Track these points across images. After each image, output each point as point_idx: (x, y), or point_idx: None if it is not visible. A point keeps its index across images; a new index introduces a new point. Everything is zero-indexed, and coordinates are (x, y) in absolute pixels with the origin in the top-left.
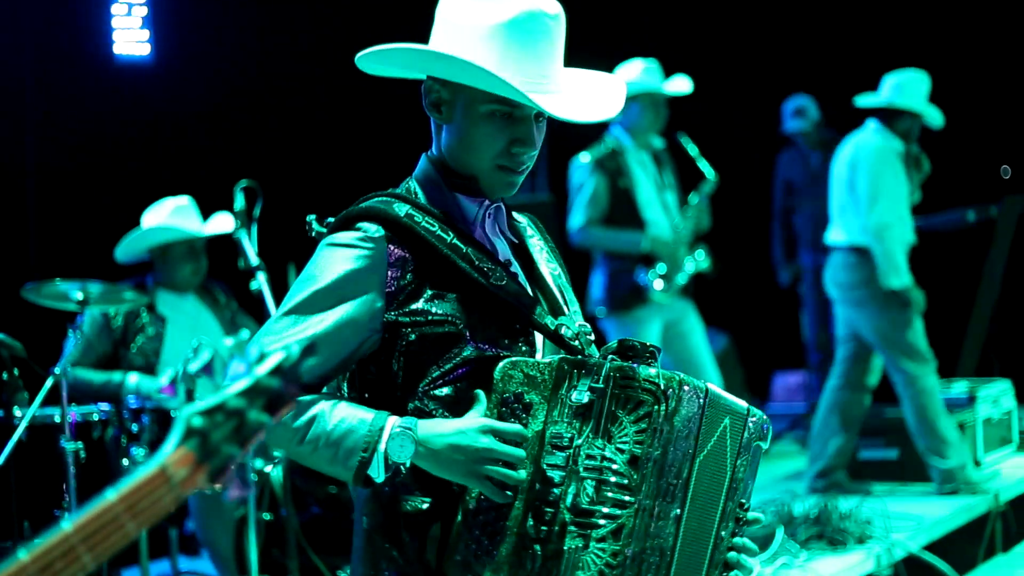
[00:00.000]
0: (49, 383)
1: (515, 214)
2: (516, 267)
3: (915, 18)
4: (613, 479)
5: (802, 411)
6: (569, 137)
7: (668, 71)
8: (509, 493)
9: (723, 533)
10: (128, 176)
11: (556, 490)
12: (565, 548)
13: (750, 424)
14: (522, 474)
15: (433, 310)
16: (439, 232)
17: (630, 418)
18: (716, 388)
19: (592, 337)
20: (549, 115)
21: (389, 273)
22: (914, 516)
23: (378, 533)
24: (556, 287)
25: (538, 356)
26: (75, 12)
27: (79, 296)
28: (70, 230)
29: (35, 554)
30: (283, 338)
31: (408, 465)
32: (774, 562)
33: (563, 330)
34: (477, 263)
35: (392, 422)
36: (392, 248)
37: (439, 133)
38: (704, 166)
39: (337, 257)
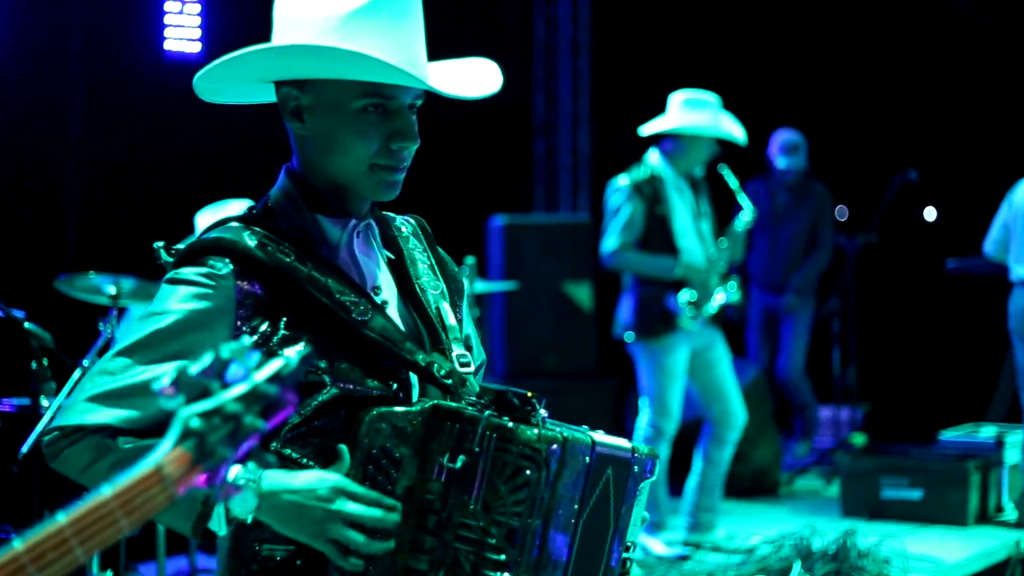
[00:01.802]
0: (77, 375)
1: (399, 221)
2: (391, 290)
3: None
4: (491, 555)
5: (830, 446)
6: (612, 159)
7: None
8: (354, 561)
9: None
10: (173, 174)
11: (425, 557)
12: None
13: (634, 468)
14: (376, 545)
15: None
16: (294, 264)
17: (507, 487)
18: (602, 438)
19: (471, 369)
20: (442, 94)
21: (239, 312)
22: (933, 559)
23: None
24: (435, 309)
25: (413, 393)
26: (126, 8)
27: (111, 291)
28: (113, 226)
29: (29, 543)
30: (118, 380)
31: (250, 521)
32: None
33: (434, 368)
34: (338, 296)
35: (234, 472)
36: (241, 285)
37: (301, 146)
38: (742, 198)
39: (180, 295)
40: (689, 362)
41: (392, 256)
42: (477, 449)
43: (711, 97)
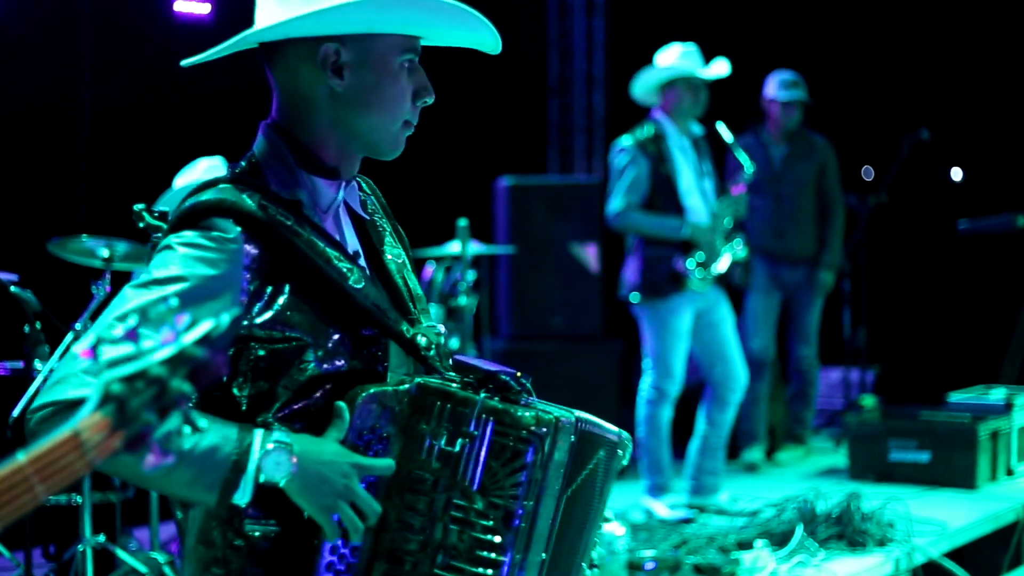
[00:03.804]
0: (69, 338)
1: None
2: (362, 258)
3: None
4: (487, 537)
5: (840, 407)
6: (627, 120)
7: (712, 55)
8: (338, 536)
9: (583, 563)
10: (182, 135)
11: (415, 537)
12: None
13: (619, 451)
14: (369, 522)
15: (288, 319)
16: (294, 227)
17: (505, 470)
18: (588, 418)
19: (448, 348)
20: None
21: (245, 276)
22: (939, 522)
23: (214, 566)
24: (401, 278)
25: (390, 362)
26: None
27: (105, 254)
28: (123, 186)
29: None
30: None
31: (283, 484)
32: (790, 559)
33: (419, 339)
34: (335, 262)
35: (260, 436)
36: (248, 248)
37: (327, 102)
38: (740, 155)
39: (187, 259)
40: (693, 323)
41: (367, 218)
42: (476, 432)
43: (685, 46)
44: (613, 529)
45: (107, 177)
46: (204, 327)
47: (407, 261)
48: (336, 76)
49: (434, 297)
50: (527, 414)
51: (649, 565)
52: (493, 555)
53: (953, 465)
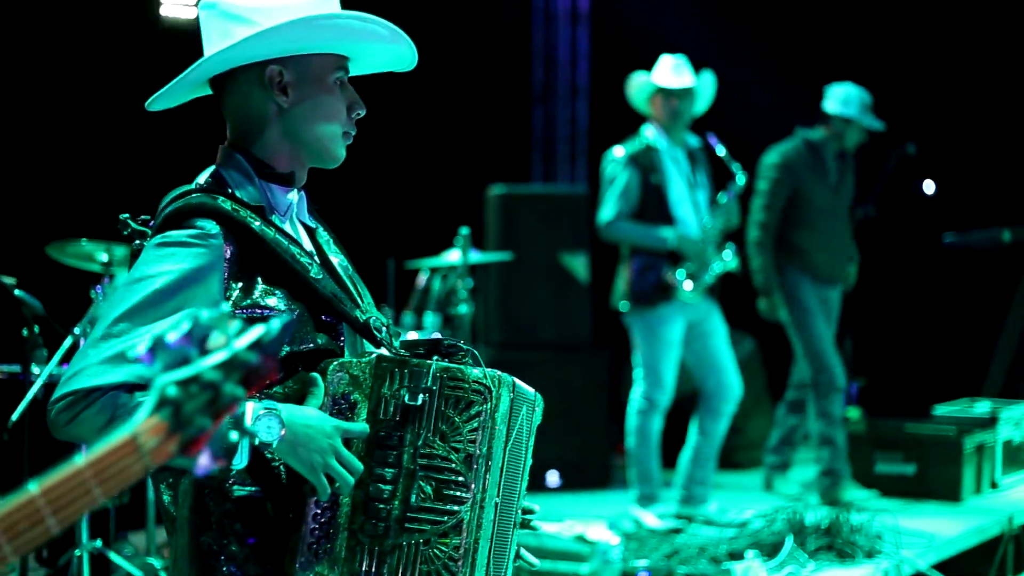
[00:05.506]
0: (68, 342)
1: None
2: (316, 256)
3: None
4: (452, 477)
5: None
6: (610, 129)
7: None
8: (329, 494)
9: (519, 511)
10: (183, 138)
11: (387, 487)
12: (403, 544)
13: (537, 409)
14: (352, 480)
15: (265, 303)
16: (262, 227)
17: (462, 418)
18: (518, 381)
19: (396, 329)
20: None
21: (226, 269)
22: (926, 534)
23: (209, 530)
24: (346, 277)
25: (346, 345)
26: None
27: (104, 258)
28: (123, 190)
29: (1, 514)
30: (127, 340)
31: (275, 446)
32: (781, 570)
33: (372, 322)
34: (298, 258)
35: (251, 406)
36: (226, 244)
37: (275, 119)
38: (734, 165)
39: (174, 256)
40: (685, 334)
41: (312, 226)
42: (434, 387)
43: (675, 57)
44: (608, 538)
45: (107, 181)
46: (256, 332)
47: (350, 266)
48: (282, 94)
49: (431, 305)
50: (475, 371)
51: (643, 574)
52: (458, 492)
53: (938, 478)
